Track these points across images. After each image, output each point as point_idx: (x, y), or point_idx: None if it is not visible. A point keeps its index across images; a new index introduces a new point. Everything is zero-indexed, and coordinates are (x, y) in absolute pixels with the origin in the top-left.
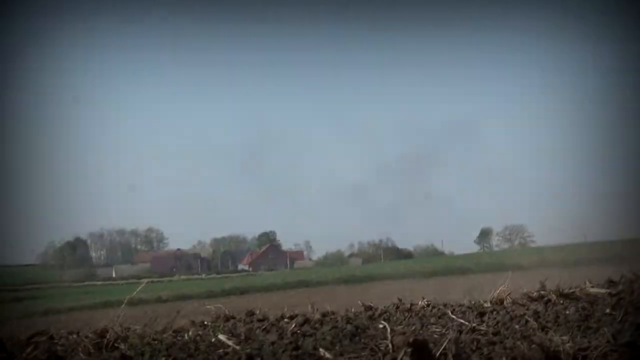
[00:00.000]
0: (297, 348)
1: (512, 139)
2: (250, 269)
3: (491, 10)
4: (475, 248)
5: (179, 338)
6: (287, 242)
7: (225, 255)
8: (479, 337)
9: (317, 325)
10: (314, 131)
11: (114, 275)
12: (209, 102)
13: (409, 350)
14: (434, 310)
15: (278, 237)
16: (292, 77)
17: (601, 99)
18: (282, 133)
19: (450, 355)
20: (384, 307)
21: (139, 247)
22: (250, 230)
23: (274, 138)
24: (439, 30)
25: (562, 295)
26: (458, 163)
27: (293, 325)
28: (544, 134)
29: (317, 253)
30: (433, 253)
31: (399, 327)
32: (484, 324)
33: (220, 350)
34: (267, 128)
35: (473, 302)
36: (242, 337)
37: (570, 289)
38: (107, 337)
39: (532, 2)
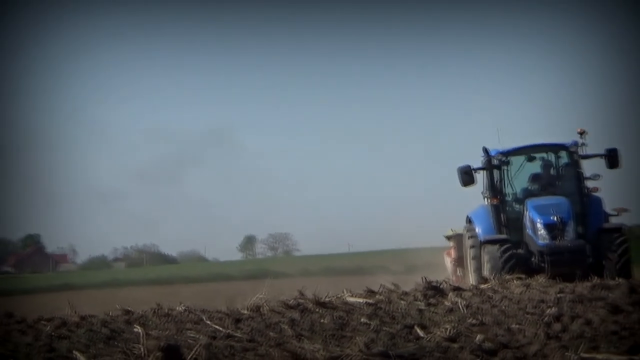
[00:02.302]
0: (51, 350)
1: (273, 145)
2: (14, 271)
3: None
4: (239, 255)
5: None
6: (51, 245)
7: None
8: (234, 343)
9: (73, 328)
10: (69, 135)
11: None
12: None
13: (160, 354)
14: (191, 316)
15: (42, 240)
16: None
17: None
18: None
19: None
20: (142, 311)
21: None
22: (14, 231)
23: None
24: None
25: (319, 303)
26: (219, 168)
27: (48, 328)
28: (307, 141)
29: (82, 257)
30: (197, 259)
31: (155, 332)
32: (240, 331)
33: None
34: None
35: (231, 309)
36: None
37: (327, 297)
38: None
39: None
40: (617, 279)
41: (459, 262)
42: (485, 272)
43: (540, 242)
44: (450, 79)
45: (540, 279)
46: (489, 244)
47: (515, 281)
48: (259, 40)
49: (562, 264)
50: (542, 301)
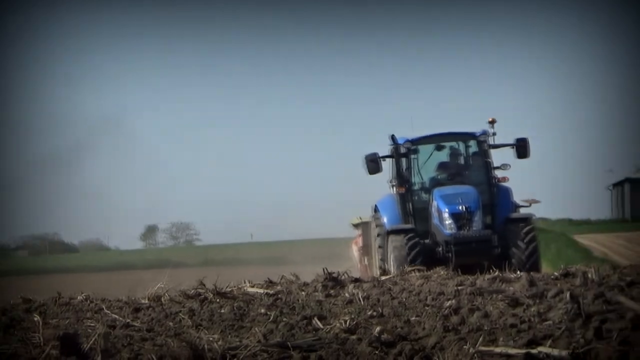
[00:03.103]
0: None
1: (175, 134)
2: None
3: None
4: (141, 244)
5: None
6: None
7: None
8: (132, 332)
9: None
10: None
11: None
12: None
13: (57, 343)
14: (91, 305)
15: None
16: None
17: None
18: None
19: (98, 350)
20: (43, 300)
21: None
22: None
23: None
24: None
25: (218, 293)
26: (118, 156)
27: None
28: (209, 131)
29: None
30: (99, 248)
31: (54, 321)
32: (139, 320)
33: None
34: None
35: (131, 298)
36: None
37: (228, 287)
38: None
39: None
40: (524, 269)
41: (365, 250)
42: (391, 262)
43: (447, 231)
44: (365, 69)
45: (442, 271)
46: (394, 233)
47: (415, 273)
48: (157, 29)
49: (468, 254)
50: (442, 293)
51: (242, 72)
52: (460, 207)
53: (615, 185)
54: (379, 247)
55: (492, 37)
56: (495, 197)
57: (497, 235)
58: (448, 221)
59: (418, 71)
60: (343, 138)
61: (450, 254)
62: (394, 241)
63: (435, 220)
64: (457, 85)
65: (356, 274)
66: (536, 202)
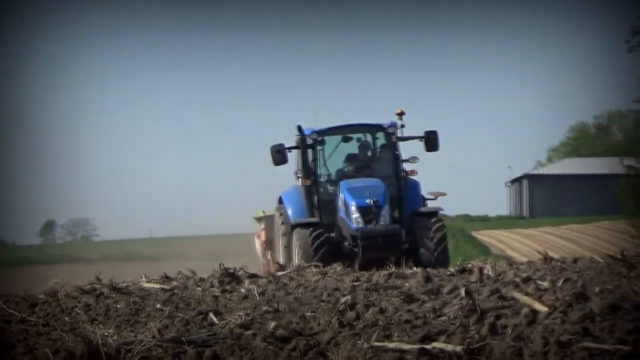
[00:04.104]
0: None
1: (72, 128)
2: None
3: None
4: (39, 239)
5: None
6: None
7: None
8: (28, 327)
9: None
10: None
11: None
12: None
13: None
14: None
15: None
16: None
17: None
18: None
19: None
20: None
21: None
22: None
23: None
24: None
25: (114, 289)
26: (15, 149)
27: None
28: (107, 125)
29: None
30: None
31: None
32: (35, 315)
33: None
34: None
35: (28, 293)
36: None
37: (124, 283)
38: None
39: None
40: (433, 263)
41: (269, 244)
42: (296, 256)
43: (354, 225)
44: (271, 61)
45: (338, 267)
46: (300, 227)
47: (312, 269)
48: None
49: (375, 248)
50: (337, 289)
51: (148, 65)
52: (367, 201)
53: (513, 181)
54: (283, 240)
55: (400, 28)
56: (403, 191)
57: (405, 230)
58: (355, 215)
59: (326, 63)
60: (247, 130)
61: (357, 249)
62: (299, 235)
63: (341, 214)
64: (365, 76)
65: (257, 269)
66: (442, 194)
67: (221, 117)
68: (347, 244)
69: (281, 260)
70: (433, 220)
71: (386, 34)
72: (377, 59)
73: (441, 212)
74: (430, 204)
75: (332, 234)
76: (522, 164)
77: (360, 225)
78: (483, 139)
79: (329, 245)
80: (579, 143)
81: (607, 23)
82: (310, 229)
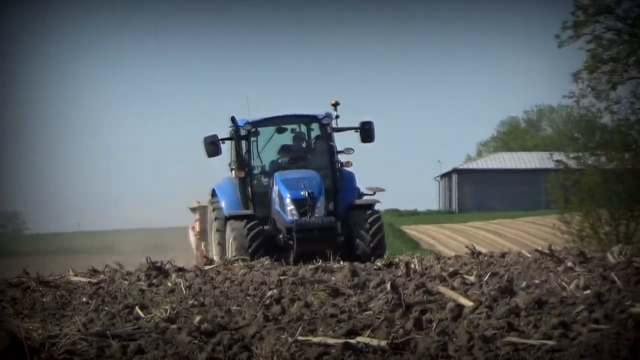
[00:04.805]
0: None
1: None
2: None
3: None
4: None
5: None
6: None
7: None
8: None
9: None
10: None
11: None
12: None
13: None
14: None
15: None
16: None
17: None
18: None
19: None
20: None
21: None
22: None
23: None
24: None
25: (41, 282)
26: None
27: None
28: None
29: None
30: None
31: None
32: None
33: None
34: None
35: None
36: None
37: (51, 276)
38: None
39: None
40: (369, 256)
41: (203, 236)
42: (231, 249)
43: (289, 218)
44: (205, 51)
45: (266, 261)
46: (234, 219)
47: (239, 262)
48: None
49: (311, 241)
50: (264, 283)
51: (72, 59)
52: (302, 193)
53: (442, 176)
54: (217, 232)
55: (336, 20)
56: (338, 183)
57: (340, 222)
58: (290, 207)
59: (259, 53)
60: (179, 122)
61: (292, 242)
62: (234, 227)
63: (276, 206)
64: (300, 67)
65: (185, 262)
66: (381, 190)
67: (153, 109)
68: (281, 236)
69: (215, 255)
70: (369, 212)
71: (322, 25)
72: (312, 50)
73: (382, 204)
74: (366, 198)
75: (267, 227)
76: (451, 158)
77: (295, 217)
78: (412, 133)
79: (263, 237)
80: (509, 138)
81: (538, 18)
82: (245, 221)
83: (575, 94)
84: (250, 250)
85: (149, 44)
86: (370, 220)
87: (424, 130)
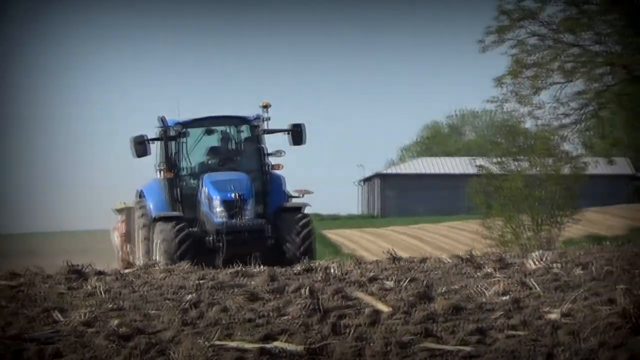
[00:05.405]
0: None
1: None
2: None
3: None
4: None
5: None
6: None
7: None
8: None
9: None
10: None
11: None
12: None
13: None
14: None
15: None
16: None
17: None
18: None
19: None
20: None
21: None
22: None
23: None
24: None
25: None
26: None
27: None
28: None
29: None
30: None
31: None
32: None
33: None
34: None
35: None
36: None
37: None
38: None
39: None
40: (299, 259)
41: (128, 237)
42: (158, 252)
43: (218, 220)
44: (138, 51)
45: (186, 265)
46: (161, 221)
47: (158, 266)
48: None
49: (240, 243)
50: (183, 287)
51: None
52: (232, 195)
53: (365, 180)
54: (143, 234)
55: (265, 22)
56: (267, 185)
57: (270, 225)
58: (219, 209)
59: (190, 53)
60: (106, 122)
61: (221, 244)
62: (162, 229)
63: (204, 208)
64: (231, 68)
65: (106, 265)
66: (309, 192)
67: (79, 107)
68: (210, 238)
69: (140, 254)
70: (299, 216)
71: (253, 27)
72: (243, 52)
73: (308, 206)
74: (296, 201)
75: (195, 229)
76: (374, 162)
77: (225, 219)
78: (335, 137)
79: (192, 239)
80: (432, 142)
81: (461, 23)
82: (173, 222)
83: (498, 99)
84: (178, 254)
85: (74, 40)
86: (300, 223)
87: (347, 134)
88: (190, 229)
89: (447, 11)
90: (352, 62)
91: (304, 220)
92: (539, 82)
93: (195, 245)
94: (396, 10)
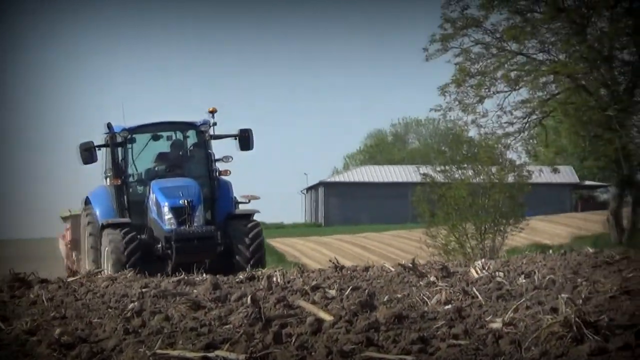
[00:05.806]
0: None
1: None
2: None
3: None
4: None
5: None
6: None
7: None
8: None
9: None
10: None
11: None
12: None
13: None
14: None
15: None
16: None
17: None
18: None
19: None
20: None
21: None
22: None
23: None
24: None
25: None
26: None
27: None
28: None
29: None
30: None
31: None
32: None
33: None
34: None
35: None
36: None
37: None
38: None
39: None
40: (249, 266)
41: (74, 245)
42: (107, 261)
43: (167, 227)
44: (83, 56)
45: (130, 273)
46: (110, 228)
47: (102, 274)
48: None
49: (190, 250)
50: (126, 295)
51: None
52: (181, 201)
53: (309, 189)
54: (90, 239)
55: (212, 27)
56: (216, 191)
57: (220, 232)
58: (168, 216)
59: (136, 59)
60: (52, 128)
61: (170, 251)
62: (111, 237)
63: (153, 215)
64: (179, 74)
65: (49, 274)
66: (256, 198)
67: (25, 114)
68: (160, 246)
69: (87, 262)
70: (250, 223)
71: (197, 32)
72: (190, 56)
73: (257, 213)
74: (242, 207)
75: (143, 236)
76: (318, 171)
77: (174, 226)
78: (279, 144)
79: (141, 246)
80: (376, 151)
81: (405, 31)
82: (123, 230)
83: (443, 107)
84: (128, 262)
85: (20, 47)
86: (250, 235)
87: (291, 142)
88: (139, 237)
89: (392, 19)
90: (297, 70)
91: (255, 231)
92: (483, 90)
93: (144, 254)
94: (341, 18)
